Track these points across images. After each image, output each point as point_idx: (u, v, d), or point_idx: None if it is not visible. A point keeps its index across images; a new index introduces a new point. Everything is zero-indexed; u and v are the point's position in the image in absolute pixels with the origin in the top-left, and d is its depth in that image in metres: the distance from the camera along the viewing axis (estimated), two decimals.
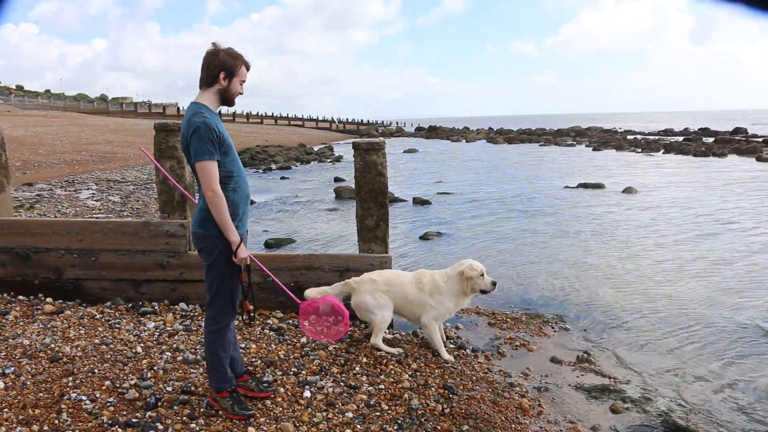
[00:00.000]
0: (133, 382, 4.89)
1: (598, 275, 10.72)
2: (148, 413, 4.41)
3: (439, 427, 4.63)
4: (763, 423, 5.46)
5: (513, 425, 4.92)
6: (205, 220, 4.14)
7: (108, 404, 4.51)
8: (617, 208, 18.75)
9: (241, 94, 4.30)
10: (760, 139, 54.28)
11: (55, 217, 13.73)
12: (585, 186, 23.61)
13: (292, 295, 5.10)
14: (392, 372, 5.56)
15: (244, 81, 4.29)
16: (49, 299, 6.93)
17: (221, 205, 4.04)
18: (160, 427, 4.23)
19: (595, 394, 5.82)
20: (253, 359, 5.56)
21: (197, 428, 4.27)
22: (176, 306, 6.94)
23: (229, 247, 4.15)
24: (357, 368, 5.56)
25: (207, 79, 4.19)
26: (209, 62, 4.17)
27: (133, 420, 4.27)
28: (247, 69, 4.29)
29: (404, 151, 50.29)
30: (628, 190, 22.07)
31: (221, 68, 4.15)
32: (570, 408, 5.53)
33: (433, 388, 5.32)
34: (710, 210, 17.99)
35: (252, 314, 4.66)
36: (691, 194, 21.65)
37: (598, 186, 23.53)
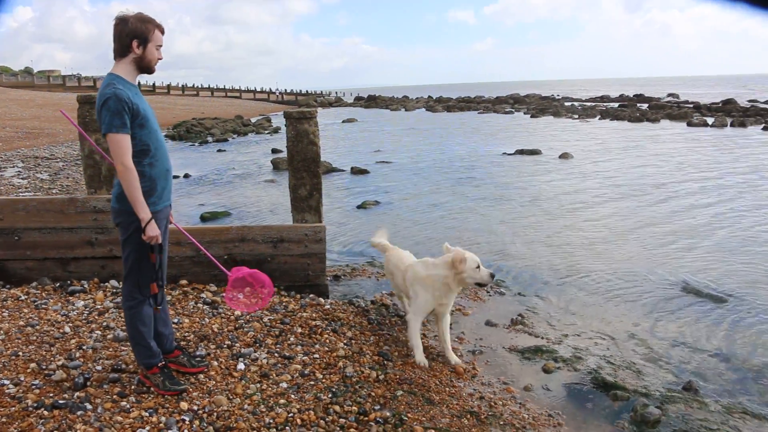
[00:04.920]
0: (60, 363, 4.75)
1: (534, 240, 10.92)
2: (77, 393, 4.29)
3: (373, 393, 4.66)
4: (684, 375, 5.69)
5: (447, 388, 5.00)
6: (122, 194, 3.99)
7: (33, 387, 4.37)
8: (553, 173, 19.07)
9: (159, 59, 4.13)
10: (691, 105, 56.15)
11: None
12: (522, 152, 23.90)
13: (221, 266, 5.00)
14: (327, 341, 5.57)
15: (160, 46, 4.10)
16: None
17: (132, 180, 3.90)
18: (89, 406, 4.13)
19: (528, 355, 5.95)
20: (186, 334, 5.48)
21: (128, 406, 4.18)
22: (106, 284, 6.76)
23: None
24: (292, 339, 5.54)
25: (120, 50, 4.01)
26: (119, 31, 3.97)
27: (60, 401, 4.15)
28: (162, 32, 4.10)
29: (343, 121, 49.98)
30: (564, 156, 22.46)
31: (133, 36, 3.97)
32: (504, 369, 5.65)
33: (368, 356, 5.35)
34: (643, 174, 18.49)
35: (158, 298, 4.37)
36: (625, 159, 22.19)
37: (535, 152, 23.86)
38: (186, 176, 18.87)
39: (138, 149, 4.00)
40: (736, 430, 4.73)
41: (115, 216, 4.16)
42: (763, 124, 35.54)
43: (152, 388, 4.39)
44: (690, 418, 4.83)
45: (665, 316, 7.24)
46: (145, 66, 4.09)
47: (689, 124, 37.94)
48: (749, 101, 60.61)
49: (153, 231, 4.01)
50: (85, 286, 6.67)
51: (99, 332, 5.43)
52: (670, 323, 7.02)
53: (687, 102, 63.53)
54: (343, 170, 20.02)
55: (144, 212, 3.97)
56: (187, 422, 4.03)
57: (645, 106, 59.43)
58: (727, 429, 4.71)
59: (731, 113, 44.95)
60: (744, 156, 22.57)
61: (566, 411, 4.96)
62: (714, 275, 8.73)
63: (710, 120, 38.76)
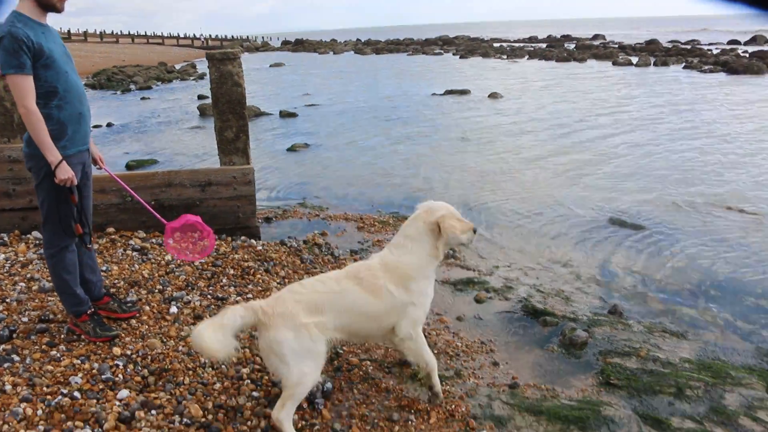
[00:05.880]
0: None
1: (465, 176, 11.06)
2: (2, 346, 4.16)
3: None
4: (609, 300, 5.96)
5: None
6: (31, 138, 3.82)
7: None
8: (482, 112, 19.24)
9: None
10: (617, 45, 57.41)
11: None
12: (451, 92, 23.99)
13: (158, 216, 4.88)
14: (260, 281, 5.57)
15: None
16: None
17: (36, 123, 3.72)
18: (17, 358, 4.03)
19: (461, 287, 6.10)
20: (116, 281, 5.37)
21: (58, 355, 4.09)
22: (28, 235, 6.51)
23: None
24: (224, 280, 5.51)
25: None
26: None
27: None
28: None
29: (270, 66, 48.99)
30: (493, 96, 22.66)
31: None
32: (437, 302, 5.72)
33: None
34: (571, 113, 18.85)
35: (84, 238, 4.27)
36: (553, 98, 22.55)
37: (464, 92, 23.98)
38: (109, 125, 18.22)
39: (43, 91, 3.81)
40: (657, 347, 5.00)
41: (27, 160, 3.99)
42: (684, 63, 36.65)
43: (83, 336, 4.32)
44: (615, 339, 5.08)
45: (590, 244, 7.53)
46: (45, 3, 3.82)
47: (615, 64, 38.85)
48: (670, 42, 62.20)
49: (64, 173, 3.85)
50: (6, 238, 6.42)
51: (23, 284, 5.25)
52: (595, 251, 7.30)
53: (613, 42, 64.85)
54: (271, 114, 19.73)
55: (52, 155, 3.80)
56: (120, 367, 3.99)
57: (572, 46, 60.28)
58: (649, 347, 4.96)
59: (654, 53, 46.20)
60: (662, 92, 23.33)
61: (498, 338, 5.12)
62: (633, 204, 9.13)
63: (635, 59, 39.71)
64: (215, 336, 3.28)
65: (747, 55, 37.60)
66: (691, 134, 14.85)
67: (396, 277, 3.73)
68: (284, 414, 3.38)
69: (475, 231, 4.01)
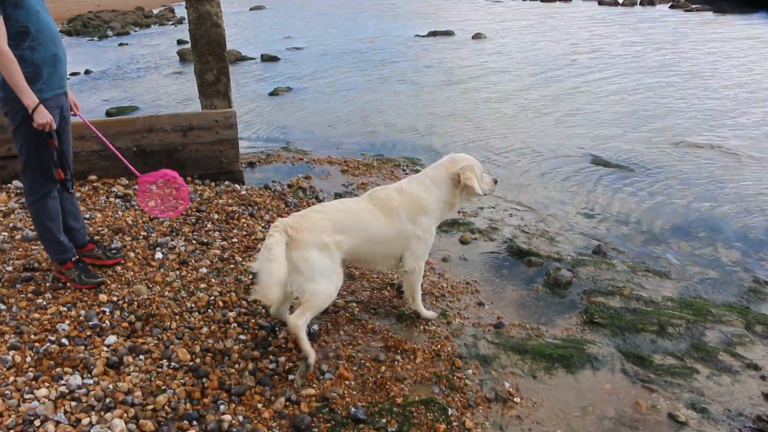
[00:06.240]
0: None
1: (448, 119, 10.99)
2: None
3: None
4: (594, 240, 6.01)
5: None
6: (5, 81, 3.72)
7: None
8: (467, 53, 18.98)
9: None
10: None
11: None
12: (435, 34, 23.60)
13: (131, 166, 4.80)
14: (245, 225, 5.56)
15: None
16: None
17: (9, 64, 3.61)
18: (3, 306, 4.03)
19: (446, 228, 6.12)
20: (100, 228, 5.33)
21: (45, 303, 4.10)
22: (9, 185, 6.40)
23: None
24: (209, 225, 5.49)
25: None
26: None
27: None
28: None
29: (250, 9, 47.86)
30: (477, 36, 22.32)
31: None
32: None
33: None
34: (555, 52, 18.64)
35: (66, 183, 4.20)
36: (538, 38, 22.24)
37: (448, 33, 23.60)
38: (87, 72, 17.79)
39: (14, 31, 3.70)
40: (640, 286, 5.07)
41: (2, 105, 3.89)
42: (671, 3, 36.21)
43: (68, 284, 4.31)
44: (599, 278, 5.14)
45: (572, 185, 7.58)
46: None
47: (600, 3, 38.23)
48: None
49: (42, 117, 3.76)
50: None
51: (6, 234, 5.21)
52: (577, 192, 7.35)
53: None
54: (252, 58, 19.36)
55: (28, 98, 3.71)
56: (107, 313, 4.00)
57: None
58: (632, 286, 5.04)
59: None
60: (646, 31, 23.16)
61: (483, 278, 5.17)
62: (612, 143, 9.18)
63: None
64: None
65: None
66: (668, 72, 14.86)
67: (408, 206, 4.02)
68: (303, 321, 3.57)
69: (496, 182, 4.40)
